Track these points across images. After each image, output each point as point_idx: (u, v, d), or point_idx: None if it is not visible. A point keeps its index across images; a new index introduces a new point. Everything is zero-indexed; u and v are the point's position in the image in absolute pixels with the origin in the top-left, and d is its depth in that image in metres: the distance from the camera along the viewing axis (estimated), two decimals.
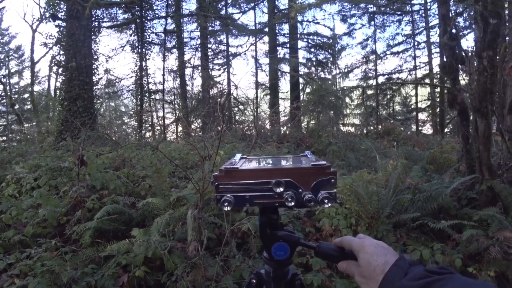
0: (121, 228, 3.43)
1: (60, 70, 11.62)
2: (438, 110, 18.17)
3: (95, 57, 12.12)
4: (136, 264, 2.62)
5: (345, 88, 19.58)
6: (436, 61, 19.25)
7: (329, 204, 0.72)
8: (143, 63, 16.93)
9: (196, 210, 3.04)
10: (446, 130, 17.30)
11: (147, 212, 3.64)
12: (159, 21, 18.05)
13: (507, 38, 5.09)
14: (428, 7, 19.41)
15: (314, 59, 19.39)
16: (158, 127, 17.17)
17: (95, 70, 11.96)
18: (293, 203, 0.73)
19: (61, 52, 11.38)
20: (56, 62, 12.00)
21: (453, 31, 3.65)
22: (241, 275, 2.69)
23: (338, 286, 2.62)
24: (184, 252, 2.82)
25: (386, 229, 3.34)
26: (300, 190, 0.74)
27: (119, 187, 4.04)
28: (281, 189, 0.74)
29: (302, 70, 19.20)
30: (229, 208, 0.73)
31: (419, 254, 2.84)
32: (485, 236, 2.96)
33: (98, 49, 12.63)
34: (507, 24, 4.73)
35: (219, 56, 19.87)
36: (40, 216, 3.35)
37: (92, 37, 12.00)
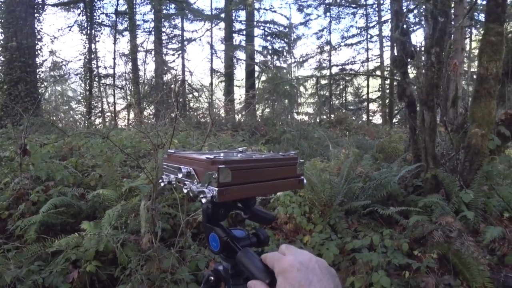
0: (70, 222, 3.25)
1: None
2: (387, 101, 19.04)
3: (39, 37, 11.23)
4: (87, 258, 2.50)
5: (299, 77, 19.84)
6: (387, 54, 20.13)
7: (204, 200, 0.68)
8: (93, 46, 16.05)
9: (150, 201, 2.96)
10: (394, 120, 18.21)
11: (97, 204, 3.48)
12: (110, 1, 17.19)
13: (452, 36, 5.41)
14: (382, 1, 20.15)
15: (270, 47, 19.49)
16: (109, 114, 16.44)
17: (39, 51, 11.11)
18: (185, 190, 0.73)
19: (0, 30, 10.45)
20: None
21: (404, 26, 3.81)
22: (197, 265, 2.67)
23: None
24: (138, 244, 2.74)
25: (338, 216, 3.46)
26: (195, 180, 0.73)
27: (67, 177, 3.81)
28: (181, 176, 0.76)
29: (258, 58, 19.23)
30: (162, 185, 0.82)
31: (370, 239, 2.98)
32: (429, 222, 3.17)
33: (42, 28, 11.71)
34: (452, 23, 5.02)
35: (173, 41, 19.34)
36: None
37: (35, 15, 11.09)
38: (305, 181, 0.84)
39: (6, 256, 2.48)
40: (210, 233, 0.78)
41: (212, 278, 0.88)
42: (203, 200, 0.68)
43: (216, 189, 0.68)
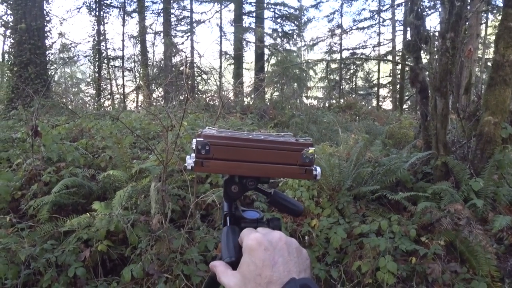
0: (81, 202, 3.31)
1: (8, 32, 10.66)
2: (398, 86, 18.78)
3: (48, 18, 11.14)
4: (98, 238, 2.56)
5: (309, 61, 19.62)
6: (399, 39, 19.72)
7: (188, 168, 0.70)
8: (101, 27, 15.98)
9: (160, 183, 2.99)
10: (404, 106, 17.99)
11: (108, 185, 3.53)
12: None
13: (467, 21, 5.26)
14: None
15: (280, 30, 19.23)
16: (118, 96, 16.49)
17: (48, 33, 11.03)
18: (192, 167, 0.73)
19: (9, 12, 10.41)
20: (3, 22, 10.96)
21: (419, 10, 3.72)
22: (206, 246, 2.71)
23: None
24: (148, 225, 2.79)
25: (347, 201, 3.47)
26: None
27: (77, 159, 3.86)
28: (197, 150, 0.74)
29: (268, 40, 19.00)
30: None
31: (378, 224, 2.98)
32: (438, 208, 3.16)
33: (50, 10, 11.69)
34: (468, 7, 4.88)
35: (182, 23, 19.13)
36: None
37: None
38: (318, 171, 0.73)
39: (20, 234, 2.54)
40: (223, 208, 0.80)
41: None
42: (188, 168, 0.70)
43: (194, 159, 0.70)
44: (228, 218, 0.75)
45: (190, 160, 0.71)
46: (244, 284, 0.52)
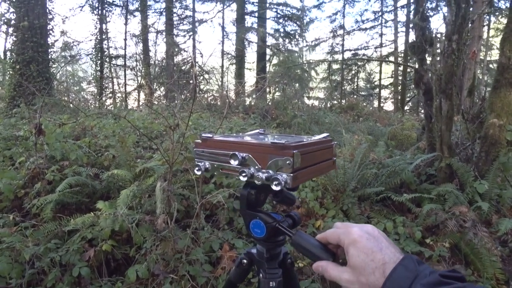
0: (85, 201, 3.30)
1: (10, 30, 10.67)
2: (400, 88, 18.75)
3: (50, 16, 11.14)
4: (103, 237, 2.54)
5: (311, 61, 19.59)
6: (401, 40, 19.70)
7: (278, 188, 0.66)
8: (104, 26, 15.97)
9: (166, 182, 2.97)
10: (406, 107, 17.97)
11: (111, 184, 3.52)
12: None
13: (470, 23, 5.24)
14: None
15: (282, 30, 19.19)
16: (120, 95, 16.48)
17: (50, 31, 11.03)
18: (245, 178, 0.70)
19: (11, 10, 10.40)
20: (5, 20, 10.96)
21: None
22: (211, 247, 2.70)
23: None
24: (153, 225, 2.78)
25: (351, 202, 3.46)
26: (256, 166, 0.71)
27: (81, 157, 3.85)
28: (236, 163, 0.72)
29: (270, 41, 18.98)
30: (199, 174, 0.78)
31: (383, 226, 2.97)
32: (442, 210, 3.15)
33: (53, 8, 11.73)
34: (471, 9, 4.86)
35: (184, 22, 19.12)
36: None
37: None
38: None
39: (23, 233, 2.53)
40: (252, 219, 0.77)
41: (245, 261, 0.89)
42: (276, 188, 0.66)
43: (291, 174, 0.66)
44: (282, 226, 0.77)
45: (284, 176, 0.67)
46: (357, 275, 0.59)
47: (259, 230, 0.77)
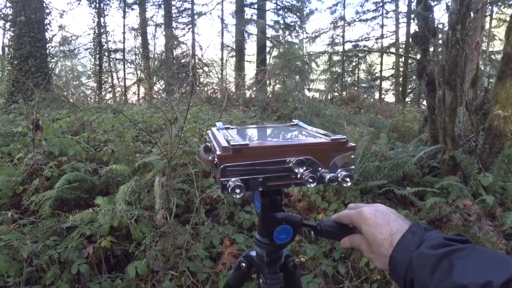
0: (83, 197, 3.26)
1: (7, 25, 10.54)
2: (401, 79, 18.63)
3: (47, 11, 11.00)
4: (102, 234, 2.51)
5: (312, 53, 19.45)
6: (402, 31, 19.54)
7: (350, 183, 0.66)
8: (102, 20, 15.84)
9: (164, 177, 2.93)
10: (407, 99, 17.87)
11: (110, 179, 3.47)
12: None
13: (472, 13, 5.16)
14: None
15: (282, 22, 19.03)
16: (119, 89, 16.40)
17: (48, 26, 10.92)
18: (314, 184, 0.65)
19: (8, 5, 10.29)
20: (2, 15, 10.84)
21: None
22: (211, 242, 2.67)
23: (308, 251, 2.66)
24: (152, 220, 2.74)
25: (354, 195, 3.41)
26: (320, 168, 0.67)
27: (79, 153, 3.80)
28: (303, 169, 0.65)
29: (270, 32, 18.83)
30: (240, 195, 0.62)
31: None
32: (446, 204, 3.10)
33: (50, 2, 11.61)
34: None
35: (183, 15, 18.96)
36: None
37: None
38: None
39: (22, 231, 2.49)
40: (276, 227, 0.72)
41: (243, 264, 0.84)
42: (347, 184, 0.66)
43: (353, 167, 0.68)
44: (305, 222, 0.77)
45: (347, 173, 0.68)
46: (370, 247, 0.67)
47: (285, 236, 0.74)
